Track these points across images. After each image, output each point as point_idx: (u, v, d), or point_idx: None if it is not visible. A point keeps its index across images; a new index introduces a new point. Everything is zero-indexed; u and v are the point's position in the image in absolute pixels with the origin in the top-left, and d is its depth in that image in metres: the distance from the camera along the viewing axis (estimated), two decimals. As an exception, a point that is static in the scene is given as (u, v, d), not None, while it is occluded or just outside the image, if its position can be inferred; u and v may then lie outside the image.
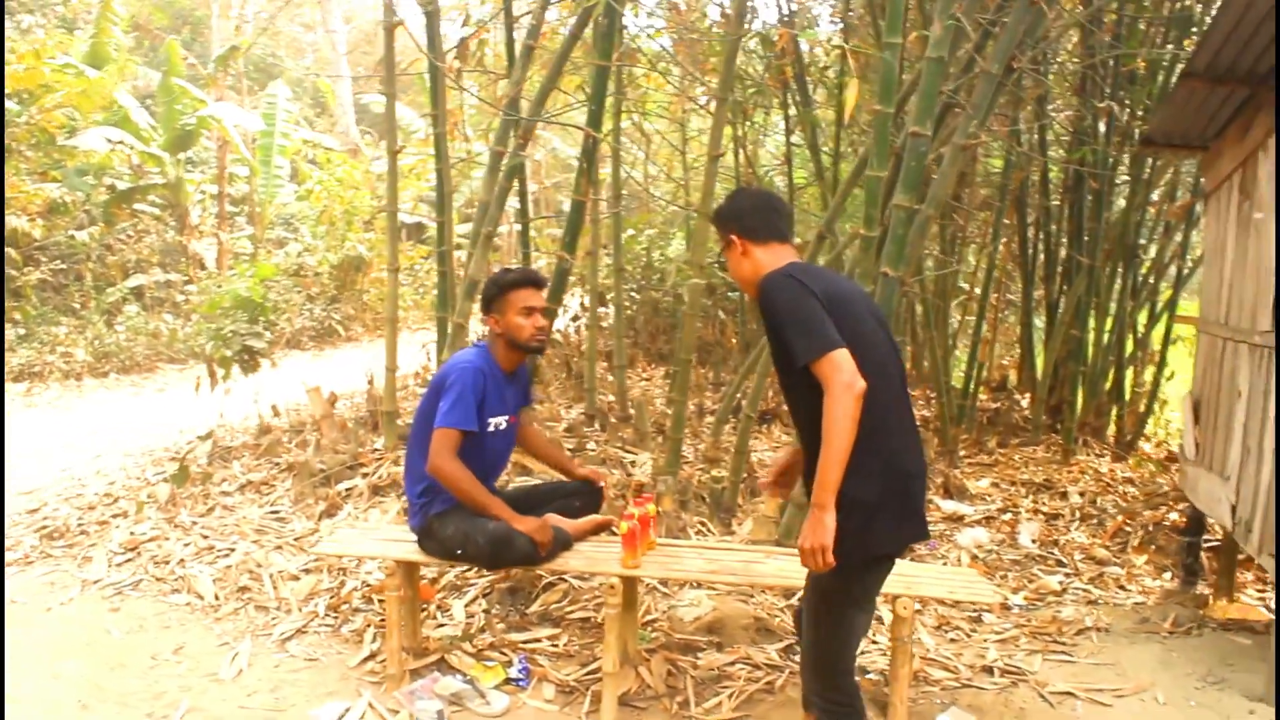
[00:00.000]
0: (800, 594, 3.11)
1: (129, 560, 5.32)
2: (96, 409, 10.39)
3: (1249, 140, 4.74)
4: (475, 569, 4.71)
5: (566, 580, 4.79)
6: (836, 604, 2.87)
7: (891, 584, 3.69)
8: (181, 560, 5.26)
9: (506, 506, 3.83)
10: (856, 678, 2.95)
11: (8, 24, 13.27)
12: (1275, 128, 3.92)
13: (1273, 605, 5.26)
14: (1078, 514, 6.61)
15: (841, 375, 2.61)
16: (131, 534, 5.63)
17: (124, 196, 15.34)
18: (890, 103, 4.88)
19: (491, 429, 3.94)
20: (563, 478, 4.36)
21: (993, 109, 6.07)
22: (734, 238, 3.00)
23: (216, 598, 4.85)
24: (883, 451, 2.76)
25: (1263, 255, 4.39)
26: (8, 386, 10.89)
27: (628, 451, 6.69)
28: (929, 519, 6.26)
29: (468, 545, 3.78)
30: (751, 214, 3.02)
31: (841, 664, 2.91)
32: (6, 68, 11.91)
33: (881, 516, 2.75)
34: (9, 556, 5.41)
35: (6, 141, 12.39)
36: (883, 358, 2.83)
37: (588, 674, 4.06)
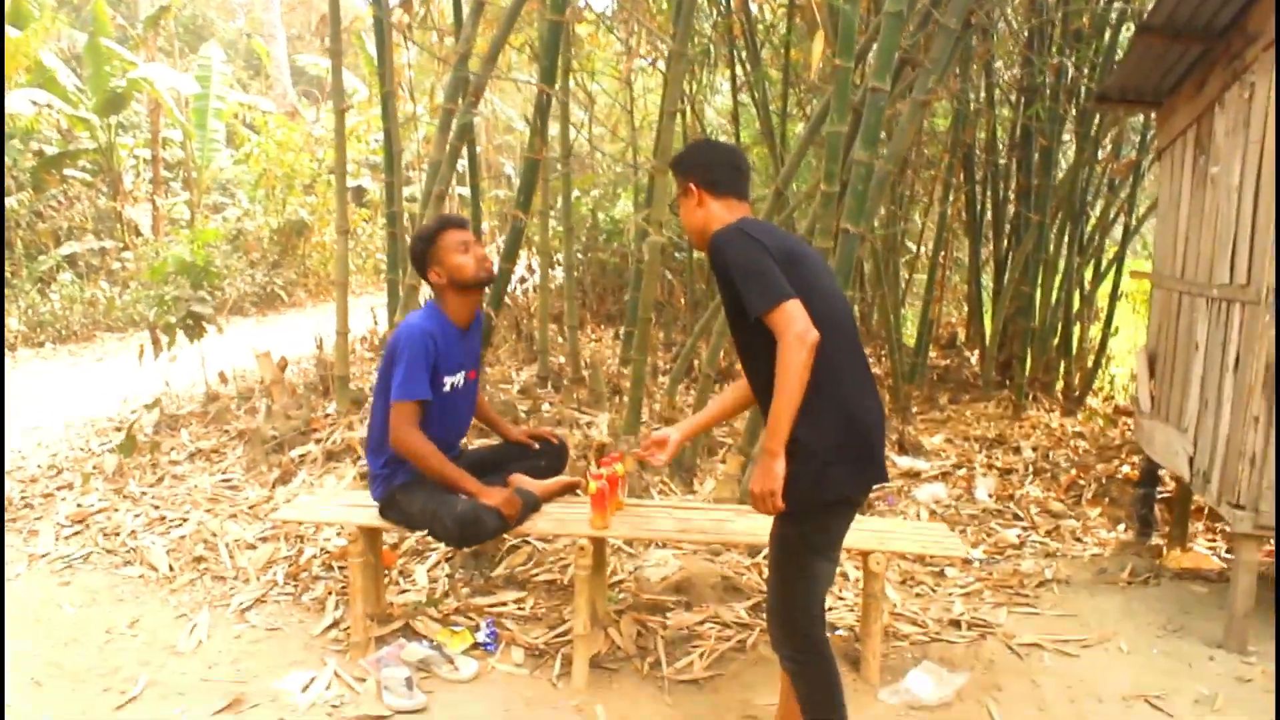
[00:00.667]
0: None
1: (77, 533, 5.18)
2: (33, 380, 10.08)
3: (1204, 96, 4.77)
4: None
5: (531, 543, 4.73)
6: (798, 552, 2.85)
7: (864, 540, 3.71)
8: (133, 532, 5.13)
9: (472, 479, 3.75)
10: (826, 632, 2.93)
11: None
12: (1274, 83, 3.92)
13: (1224, 554, 5.37)
14: (1031, 468, 6.67)
15: (795, 325, 2.60)
16: (79, 506, 5.48)
17: (53, 162, 14.89)
18: (850, 57, 4.83)
19: (448, 388, 3.85)
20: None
21: (951, 64, 6.04)
22: (692, 186, 2.98)
23: (171, 569, 4.74)
24: (839, 400, 2.75)
25: (1220, 209, 4.42)
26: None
27: (583, 412, 6.63)
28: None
29: (434, 525, 3.70)
30: (715, 166, 3.00)
31: (808, 614, 2.88)
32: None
33: (839, 460, 2.74)
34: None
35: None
36: (837, 311, 2.83)
37: (556, 636, 4.02)
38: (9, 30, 13.11)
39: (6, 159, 13.81)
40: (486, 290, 4.22)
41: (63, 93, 14.31)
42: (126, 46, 15.99)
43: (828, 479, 2.73)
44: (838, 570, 4.81)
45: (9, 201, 13.77)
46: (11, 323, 12.10)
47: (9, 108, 13.26)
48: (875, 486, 3.25)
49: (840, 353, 2.77)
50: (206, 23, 25.74)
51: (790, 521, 2.81)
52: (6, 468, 6.45)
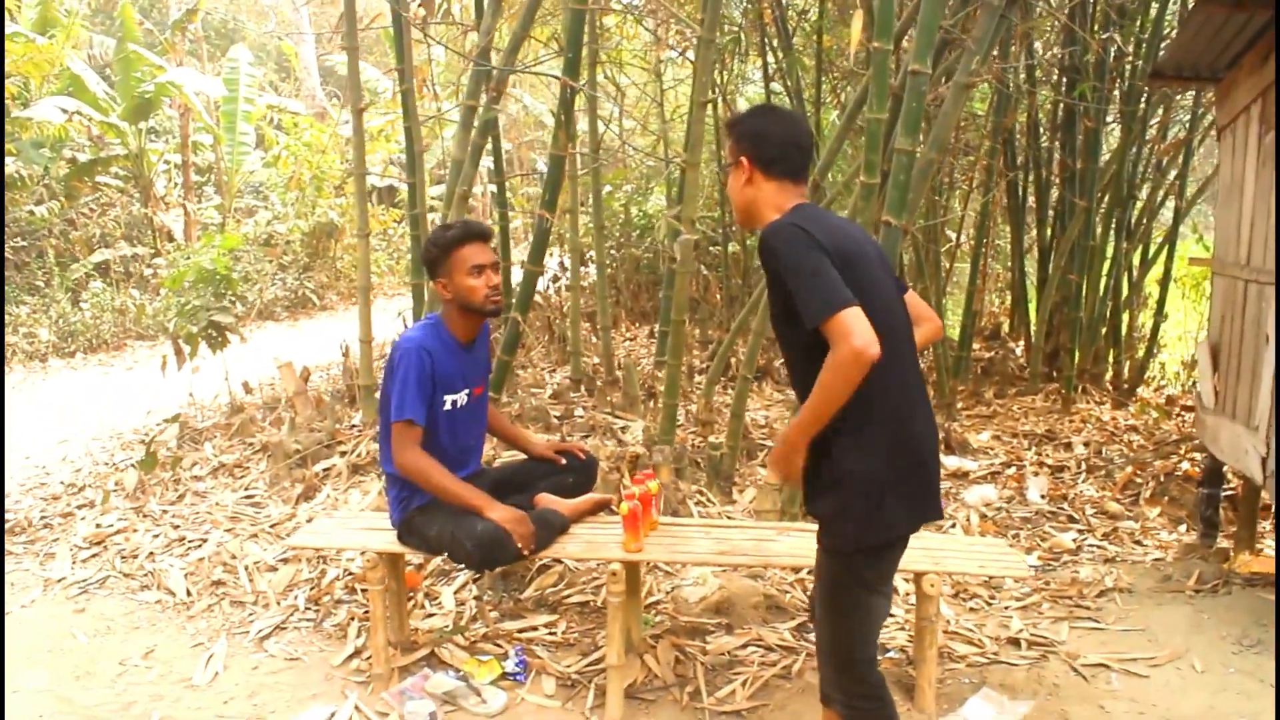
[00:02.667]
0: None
1: (94, 555, 5.02)
2: (63, 391, 10.00)
3: (1269, 68, 4.46)
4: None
5: (562, 562, 4.51)
6: (849, 590, 2.59)
7: (917, 560, 3.46)
8: (151, 554, 4.97)
9: (481, 494, 3.55)
10: (880, 674, 2.68)
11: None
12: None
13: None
14: (1084, 466, 6.40)
15: (854, 338, 2.30)
16: (97, 526, 5.33)
17: (85, 169, 14.84)
18: (889, 38, 4.56)
19: (449, 406, 3.65)
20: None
21: (994, 43, 5.75)
22: (745, 160, 2.66)
23: (189, 594, 4.56)
24: (893, 422, 2.49)
25: (1291, 191, 4.12)
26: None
27: (617, 417, 6.42)
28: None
29: (455, 549, 3.50)
30: (774, 142, 2.66)
31: (862, 654, 2.63)
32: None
33: (892, 494, 2.48)
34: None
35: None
36: (896, 320, 2.56)
37: (590, 665, 3.80)
38: (36, 38, 13.06)
39: (38, 168, 13.79)
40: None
41: (92, 99, 14.26)
42: (155, 51, 15.93)
43: (879, 518, 2.48)
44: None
45: (39, 210, 13.75)
46: (42, 333, 12.05)
47: (38, 115, 13.23)
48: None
49: (895, 368, 2.50)
50: (237, 25, 25.72)
51: (839, 559, 2.57)
52: (29, 485, 6.34)
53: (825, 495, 2.55)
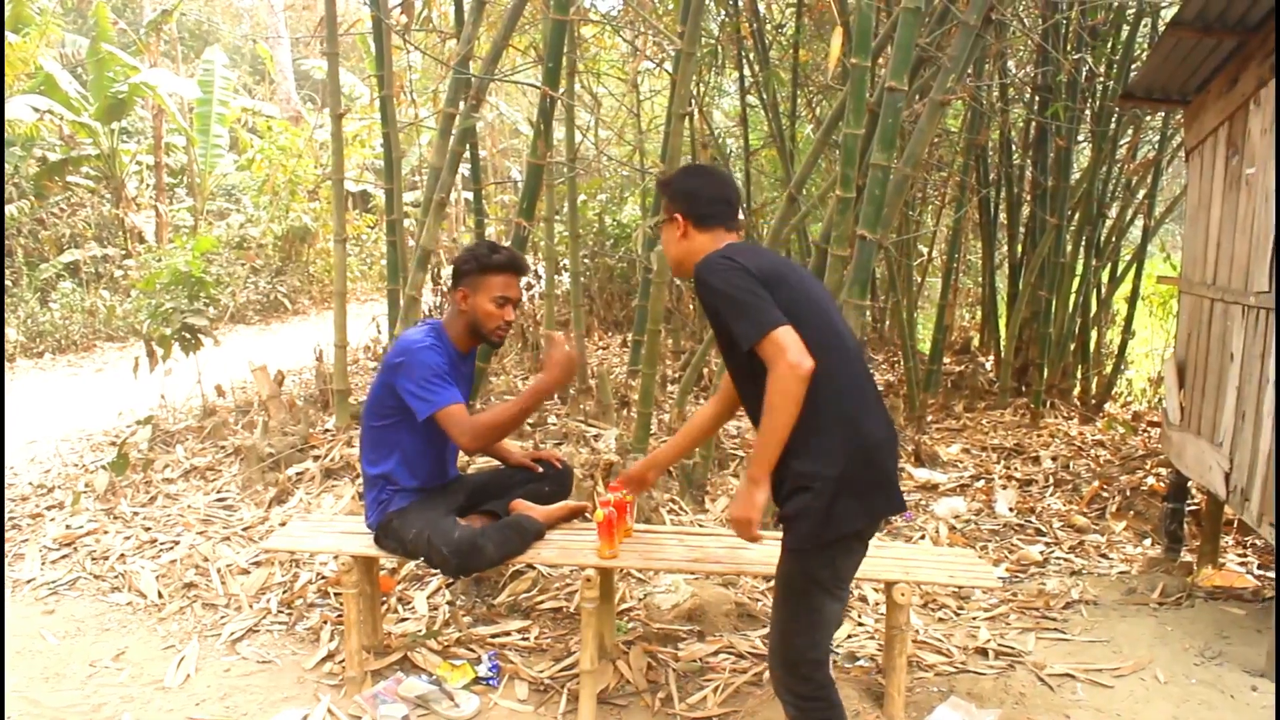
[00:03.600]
0: None
1: (64, 557, 4.98)
2: (30, 392, 9.91)
3: (1236, 93, 4.55)
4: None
5: (535, 568, 4.53)
6: (805, 591, 2.66)
7: (887, 569, 3.51)
8: (122, 555, 4.94)
9: (537, 394, 3.60)
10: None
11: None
12: (1276, 76, 3.71)
13: (1257, 571, 5.15)
14: (1051, 479, 6.48)
15: (787, 355, 2.44)
16: (67, 527, 5.29)
17: (55, 168, 14.73)
18: (866, 55, 4.63)
19: None
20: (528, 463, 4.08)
21: (969, 62, 5.82)
22: (679, 216, 2.82)
23: (160, 596, 4.53)
24: (844, 423, 2.58)
25: (1255, 212, 4.20)
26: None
27: (591, 425, 6.43)
28: (902, 488, 6.13)
29: (431, 554, 3.50)
30: (703, 200, 2.84)
31: (813, 655, 2.69)
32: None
33: (847, 491, 2.56)
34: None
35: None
36: (834, 327, 2.66)
37: (562, 670, 3.82)
38: (8, 35, 12.96)
39: (8, 166, 13.65)
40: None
41: (64, 99, 14.16)
42: (129, 51, 15.83)
43: (835, 514, 2.55)
44: (857, 593, 4.62)
45: (9, 209, 13.61)
46: (10, 333, 11.92)
47: (9, 114, 13.11)
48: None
49: (841, 371, 2.60)
50: (211, 27, 25.57)
51: (795, 558, 2.65)
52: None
53: (787, 499, 2.63)
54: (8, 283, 13.16)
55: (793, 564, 2.67)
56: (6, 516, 5.58)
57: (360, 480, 5.37)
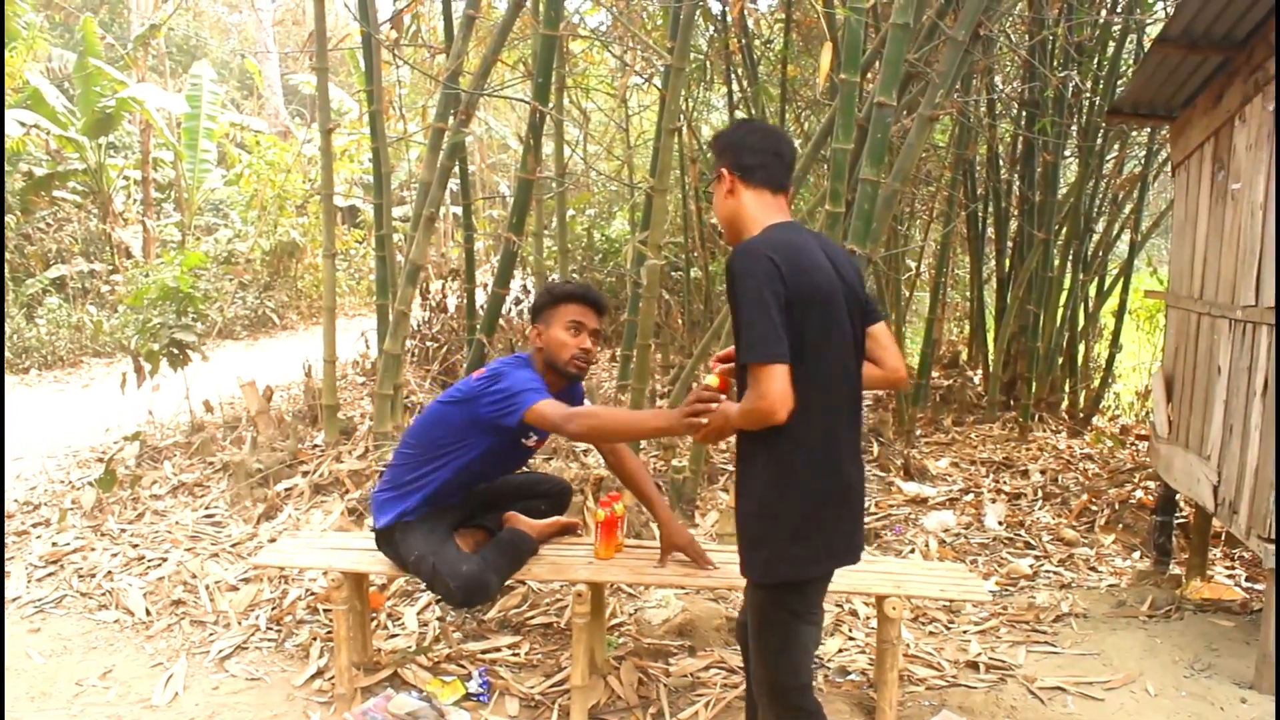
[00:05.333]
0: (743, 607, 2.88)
1: (51, 574, 4.95)
2: (16, 408, 9.85)
3: (1222, 108, 4.59)
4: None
5: (526, 584, 4.52)
6: (780, 621, 2.64)
7: (878, 583, 3.51)
8: (109, 573, 4.90)
9: (661, 415, 3.16)
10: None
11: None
12: (1276, 95, 3.74)
13: (1245, 584, 5.17)
14: (1040, 493, 6.50)
15: (768, 397, 2.38)
16: (54, 545, 5.26)
17: (42, 183, 14.67)
18: (855, 71, 4.65)
19: (528, 441, 3.59)
20: (537, 473, 4.05)
21: (958, 77, 5.85)
22: (725, 171, 2.68)
23: (148, 613, 4.50)
24: (812, 469, 2.53)
25: (1241, 227, 4.23)
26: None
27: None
28: (892, 502, 6.16)
29: (434, 582, 3.45)
30: (752, 150, 2.67)
31: (795, 682, 2.67)
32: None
33: (812, 535, 2.54)
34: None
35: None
36: (839, 368, 2.58)
37: (553, 686, 3.81)
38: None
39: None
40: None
41: (51, 113, 14.12)
42: (116, 66, 15.79)
43: (788, 557, 2.54)
44: (847, 607, 4.63)
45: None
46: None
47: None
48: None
49: (826, 416, 2.54)
50: (199, 42, 25.55)
51: (763, 590, 2.63)
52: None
53: (745, 521, 2.62)
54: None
55: (761, 595, 2.65)
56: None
57: (349, 496, 5.37)
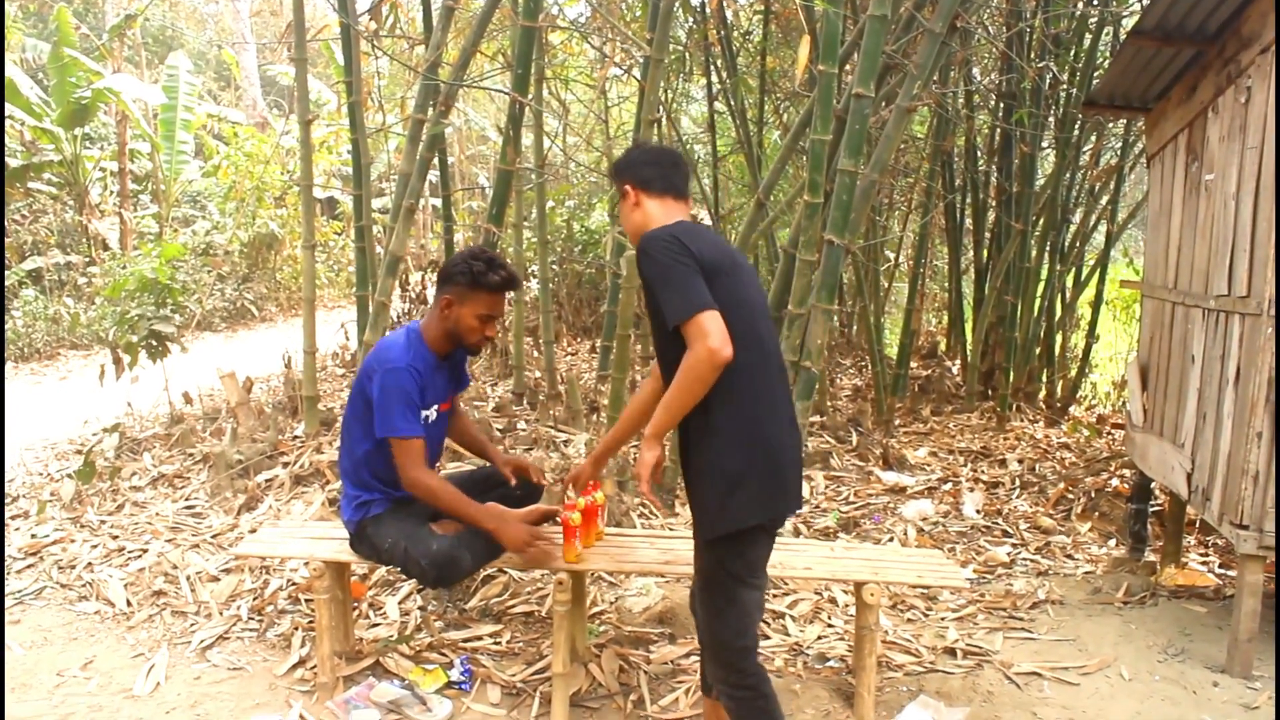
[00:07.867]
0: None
1: (30, 566, 4.92)
2: (-7, 400, 9.78)
3: (1195, 101, 4.64)
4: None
5: (507, 572, 4.54)
6: (720, 582, 2.77)
7: (857, 569, 3.55)
8: (89, 564, 4.89)
9: (493, 512, 3.45)
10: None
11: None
12: (1275, 75, 3.77)
13: (1218, 570, 5.24)
14: (1018, 482, 6.55)
15: (709, 339, 2.51)
16: (33, 536, 5.23)
17: (16, 175, 14.53)
18: (834, 62, 4.67)
19: (424, 420, 3.63)
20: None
21: (935, 69, 5.89)
22: (628, 188, 2.90)
23: (129, 604, 4.49)
24: (750, 422, 2.68)
25: (1214, 218, 4.29)
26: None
27: (560, 431, 6.45)
28: (871, 491, 6.21)
29: (408, 564, 3.45)
30: (646, 165, 2.92)
31: (737, 644, 2.78)
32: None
33: (746, 485, 2.67)
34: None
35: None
36: (760, 330, 2.75)
37: (535, 673, 3.83)
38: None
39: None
40: None
41: (25, 104, 13.99)
42: (92, 57, 15.65)
43: (731, 505, 2.66)
44: (826, 594, 4.66)
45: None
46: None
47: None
48: (795, 513, 3.13)
49: (757, 373, 2.70)
50: (175, 33, 25.35)
51: (707, 550, 2.77)
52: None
53: (690, 486, 2.78)
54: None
55: (707, 556, 2.78)
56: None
57: (330, 487, 5.37)
